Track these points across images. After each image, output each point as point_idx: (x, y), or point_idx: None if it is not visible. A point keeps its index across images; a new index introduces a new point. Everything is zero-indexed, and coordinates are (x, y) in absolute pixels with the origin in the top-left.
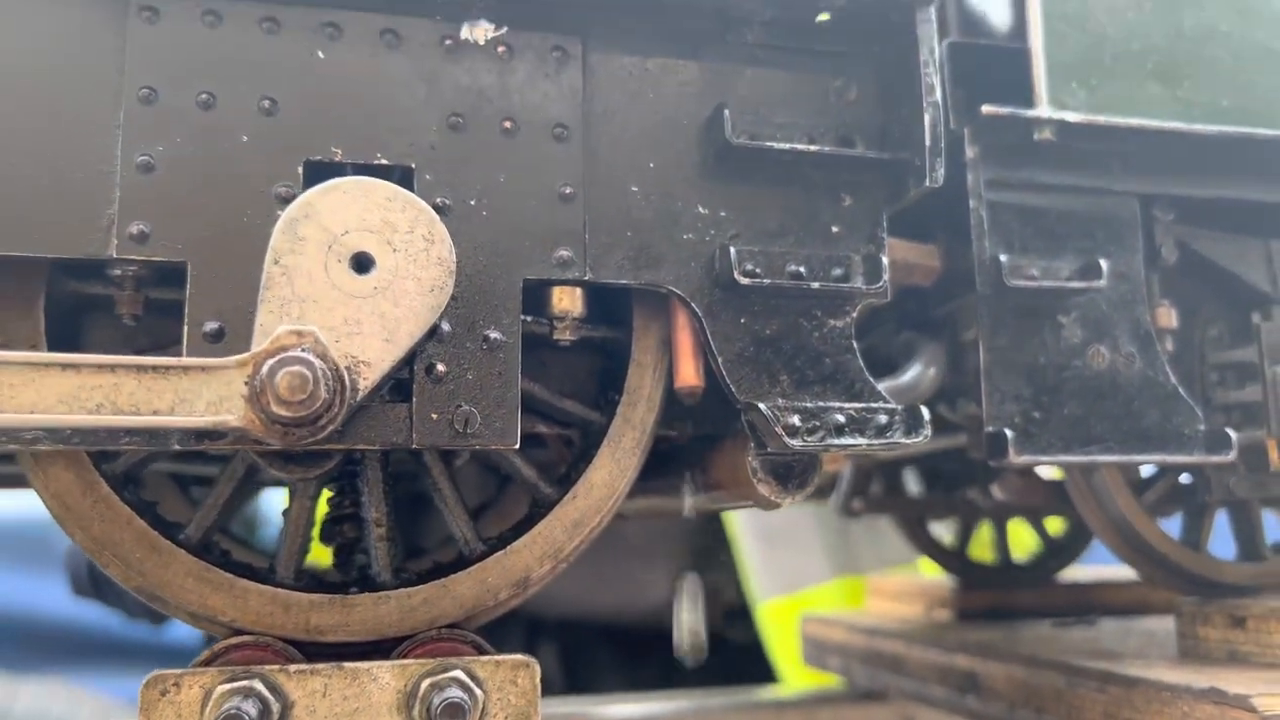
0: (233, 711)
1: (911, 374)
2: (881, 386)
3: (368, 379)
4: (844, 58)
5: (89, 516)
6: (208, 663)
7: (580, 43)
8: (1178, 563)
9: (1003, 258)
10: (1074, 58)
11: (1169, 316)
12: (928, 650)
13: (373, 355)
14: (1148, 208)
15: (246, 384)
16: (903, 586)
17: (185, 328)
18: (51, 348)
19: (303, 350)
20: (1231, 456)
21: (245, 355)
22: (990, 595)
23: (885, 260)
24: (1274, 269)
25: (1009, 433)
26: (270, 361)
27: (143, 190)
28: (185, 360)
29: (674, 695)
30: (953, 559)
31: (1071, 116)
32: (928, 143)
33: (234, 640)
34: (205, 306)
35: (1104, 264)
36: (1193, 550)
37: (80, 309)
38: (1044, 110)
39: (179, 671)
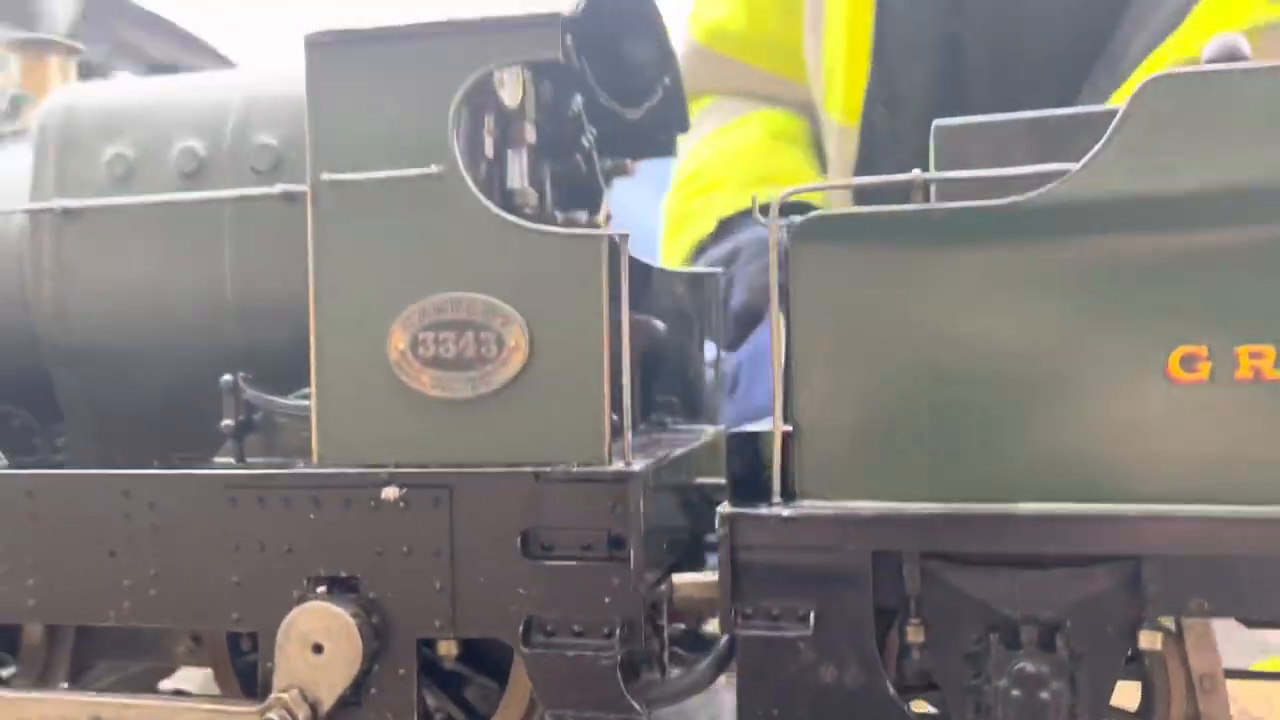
0: None
1: None
2: None
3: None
4: None
5: None
6: None
7: (449, 493)
8: None
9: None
10: (839, 446)
11: (918, 633)
12: None
13: (325, 697)
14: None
15: None
16: None
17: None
18: None
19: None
20: None
21: (259, 706)
22: None
23: None
24: (1015, 594)
25: None
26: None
27: None
28: (226, 705)
29: None
30: None
31: (786, 511)
32: None
33: None
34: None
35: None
36: None
37: None
38: (773, 506)
39: None
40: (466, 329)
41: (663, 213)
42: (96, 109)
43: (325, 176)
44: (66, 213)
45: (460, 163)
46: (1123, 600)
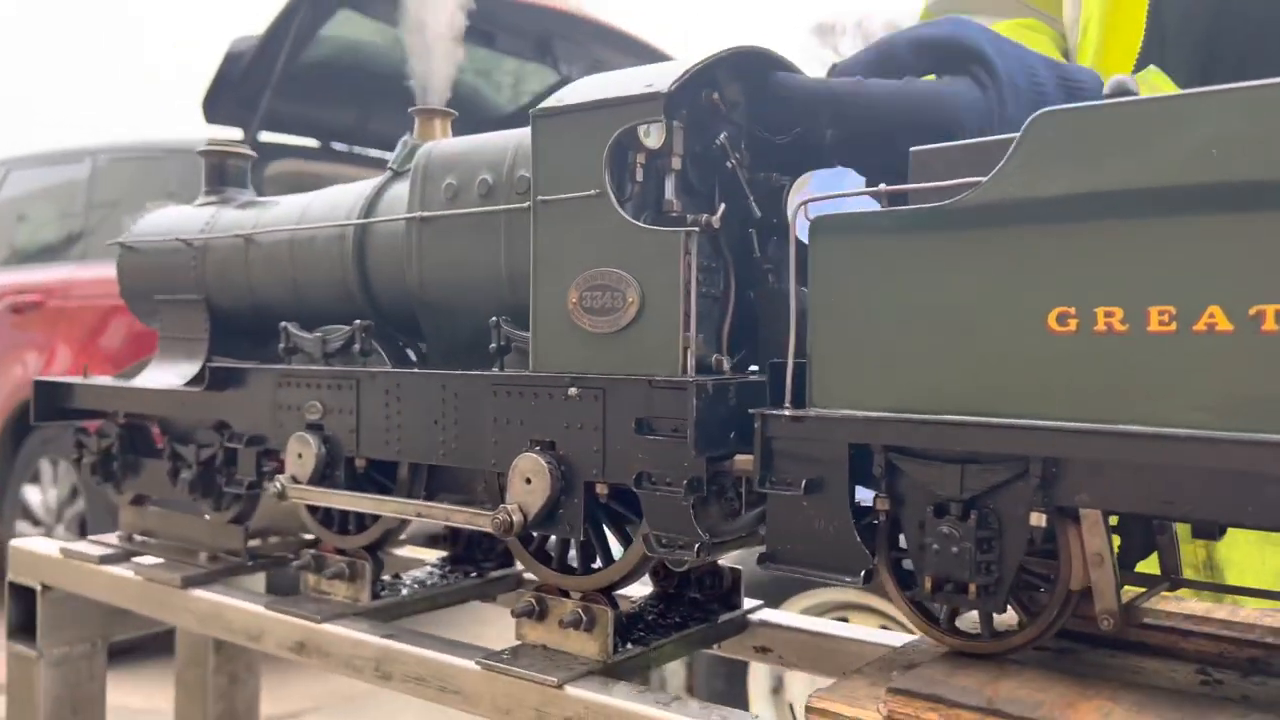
0: None
1: None
2: None
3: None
4: None
5: None
6: None
7: (603, 392)
8: None
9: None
10: (838, 370)
11: (884, 504)
12: None
13: (531, 510)
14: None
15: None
16: None
17: None
18: None
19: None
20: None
21: (495, 511)
22: None
23: None
24: (944, 480)
25: None
26: (498, 515)
27: None
28: (478, 511)
29: None
30: None
31: (792, 412)
32: None
33: None
34: None
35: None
36: None
37: None
38: (786, 409)
39: None
40: (608, 290)
41: None
42: (441, 154)
43: (540, 197)
44: (423, 220)
45: (609, 187)
46: (1018, 489)
